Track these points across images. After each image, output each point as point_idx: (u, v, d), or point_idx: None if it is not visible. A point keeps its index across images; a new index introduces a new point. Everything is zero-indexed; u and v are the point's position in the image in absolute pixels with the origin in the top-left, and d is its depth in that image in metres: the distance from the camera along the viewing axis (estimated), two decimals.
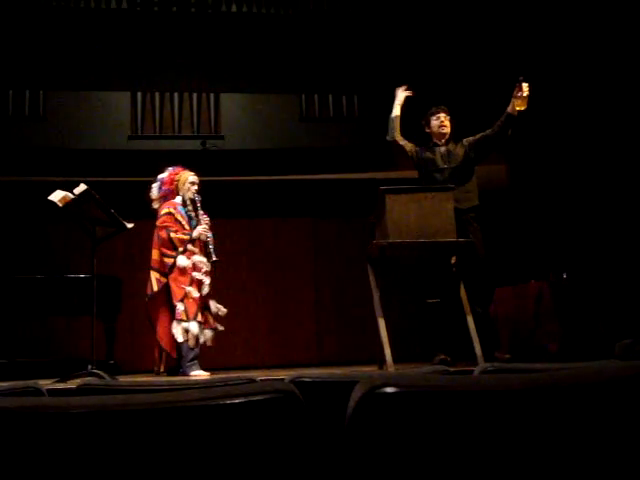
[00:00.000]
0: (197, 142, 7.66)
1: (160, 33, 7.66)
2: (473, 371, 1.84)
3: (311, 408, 0.99)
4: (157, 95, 7.77)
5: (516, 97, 4.67)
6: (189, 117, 7.80)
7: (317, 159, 7.64)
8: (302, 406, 0.97)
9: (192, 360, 4.76)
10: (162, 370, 4.97)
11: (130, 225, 4.78)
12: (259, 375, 3.36)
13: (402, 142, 4.92)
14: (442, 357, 4.58)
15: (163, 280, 4.87)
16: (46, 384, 3.58)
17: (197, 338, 4.77)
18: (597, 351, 4.54)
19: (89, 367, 4.18)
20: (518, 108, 4.67)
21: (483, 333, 4.46)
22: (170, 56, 7.58)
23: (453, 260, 4.56)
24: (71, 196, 4.31)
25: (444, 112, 4.96)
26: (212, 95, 7.84)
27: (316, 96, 7.96)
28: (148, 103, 7.74)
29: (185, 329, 4.74)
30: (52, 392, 2.35)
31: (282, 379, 1.93)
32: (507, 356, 4.50)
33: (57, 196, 4.31)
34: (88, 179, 4.81)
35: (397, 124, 4.92)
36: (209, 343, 4.92)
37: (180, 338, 4.71)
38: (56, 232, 7.25)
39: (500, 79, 7.32)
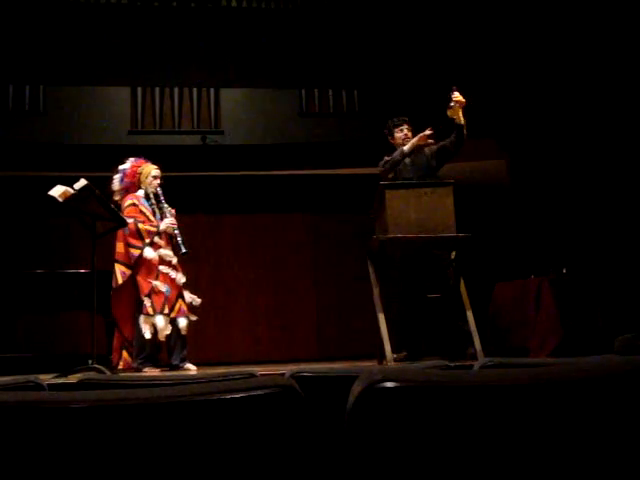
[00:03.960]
0: (197, 137, 7.66)
1: (160, 28, 7.64)
2: (473, 366, 1.84)
3: (311, 403, 0.99)
4: (157, 90, 7.76)
5: (448, 107, 4.64)
6: (189, 112, 7.79)
7: (317, 154, 7.63)
8: (302, 401, 0.97)
9: (144, 357, 4.75)
10: (121, 367, 4.88)
11: (130, 220, 4.79)
12: (259, 370, 3.37)
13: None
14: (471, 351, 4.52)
15: (128, 272, 4.84)
16: (47, 379, 3.58)
17: (163, 331, 4.76)
18: (597, 346, 4.55)
19: (89, 362, 4.18)
20: (450, 116, 4.65)
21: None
22: (170, 51, 7.57)
23: (453, 255, 4.57)
24: (71, 191, 4.31)
25: (407, 124, 4.93)
26: (212, 90, 7.83)
27: (316, 91, 7.96)
28: (148, 98, 7.73)
29: (152, 324, 4.73)
30: (53, 387, 2.36)
31: (282, 374, 1.94)
32: (471, 351, 4.49)
33: (57, 191, 4.31)
34: (88, 174, 4.81)
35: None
36: (183, 332, 4.90)
37: (147, 334, 4.69)
38: (56, 227, 7.25)
39: (500, 73, 7.32)
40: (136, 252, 4.83)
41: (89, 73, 7.44)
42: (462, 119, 4.65)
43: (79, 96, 7.60)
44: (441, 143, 4.83)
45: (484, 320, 5.36)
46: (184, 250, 4.85)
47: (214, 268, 7.76)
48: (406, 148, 4.78)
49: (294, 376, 1.65)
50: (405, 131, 4.91)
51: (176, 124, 7.78)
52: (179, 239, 4.87)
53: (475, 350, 4.32)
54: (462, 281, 4.48)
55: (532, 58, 7.14)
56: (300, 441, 0.96)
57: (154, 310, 4.75)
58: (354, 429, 0.95)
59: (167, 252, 4.91)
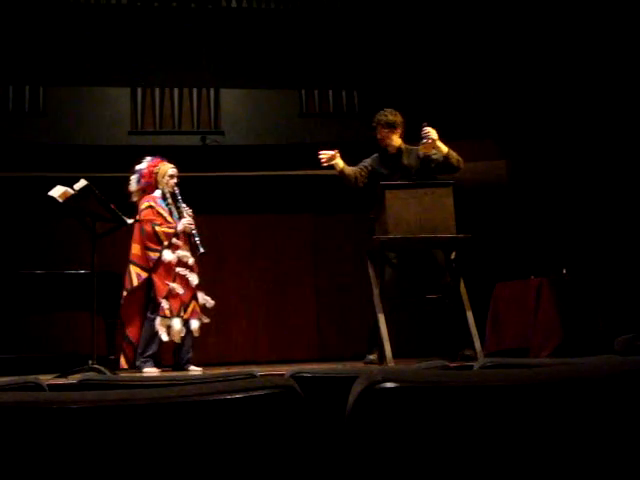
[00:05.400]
0: (197, 137, 7.66)
1: (160, 28, 7.64)
2: (473, 366, 1.85)
3: (311, 403, 0.99)
4: (157, 90, 7.76)
5: (421, 143, 4.57)
6: (189, 112, 7.79)
7: (317, 155, 7.62)
8: (302, 401, 0.97)
9: (148, 357, 4.74)
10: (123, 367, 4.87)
11: (130, 220, 4.77)
12: (259, 370, 3.37)
13: (362, 182, 4.78)
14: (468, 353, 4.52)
15: (144, 275, 4.83)
16: (47, 379, 3.58)
17: (179, 334, 4.76)
18: (597, 346, 4.54)
19: (89, 362, 4.18)
20: (424, 152, 4.59)
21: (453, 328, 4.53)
22: (170, 51, 7.57)
23: (453, 255, 4.57)
24: (71, 192, 4.31)
25: (379, 125, 4.79)
26: (212, 90, 7.83)
27: (316, 91, 7.95)
28: (148, 98, 7.73)
29: (168, 326, 4.73)
30: (53, 387, 2.36)
31: (282, 374, 1.94)
32: (470, 352, 4.51)
33: (57, 192, 4.31)
34: (88, 174, 4.80)
35: (350, 176, 4.75)
36: (195, 333, 4.89)
37: (165, 337, 4.69)
38: (56, 228, 7.25)
39: (502, 74, 7.33)
40: (155, 255, 4.82)
41: (89, 73, 7.44)
42: (443, 149, 4.54)
43: (79, 96, 7.59)
44: (434, 156, 4.63)
45: (484, 320, 5.36)
46: (202, 250, 4.86)
47: (214, 268, 7.75)
48: (339, 169, 4.73)
49: (294, 376, 1.65)
50: (378, 136, 4.82)
51: (176, 124, 7.77)
52: (197, 239, 4.87)
53: (475, 350, 4.33)
54: (462, 281, 4.48)
55: (532, 59, 7.14)
56: (300, 441, 0.96)
57: (171, 313, 4.74)
58: (354, 429, 0.95)
59: (185, 253, 4.90)
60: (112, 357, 5.52)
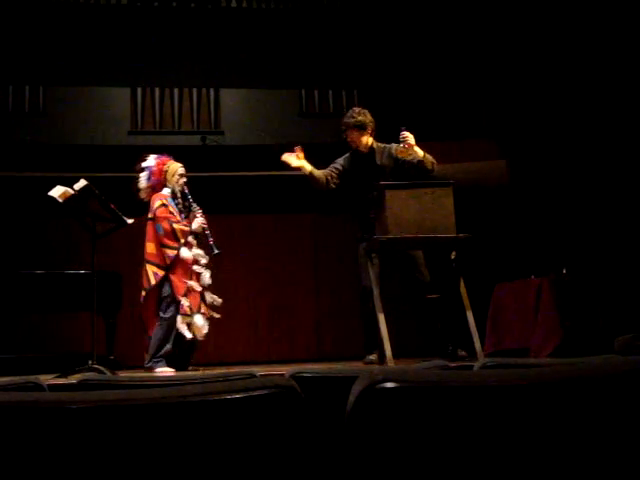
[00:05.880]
0: (197, 137, 7.66)
1: (160, 28, 7.65)
2: (473, 366, 1.84)
3: (311, 403, 0.99)
4: (157, 90, 7.76)
5: (398, 149, 4.53)
6: (189, 112, 7.79)
7: (317, 154, 7.62)
8: (302, 401, 0.97)
9: (160, 356, 4.73)
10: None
11: (130, 220, 4.77)
12: (259, 370, 3.37)
13: (334, 183, 4.76)
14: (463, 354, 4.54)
15: (160, 273, 4.82)
16: (47, 379, 3.58)
17: (202, 330, 4.77)
18: (597, 346, 4.55)
19: (89, 362, 4.18)
20: (401, 157, 4.55)
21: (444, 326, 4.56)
22: (170, 51, 7.58)
23: (453, 255, 4.56)
24: (71, 192, 4.31)
25: (348, 128, 4.72)
26: (212, 90, 7.84)
27: (316, 91, 7.96)
28: (148, 98, 7.74)
29: (189, 323, 4.73)
30: (53, 387, 2.36)
31: (282, 374, 1.94)
32: (463, 353, 4.51)
33: (57, 192, 4.31)
34: (88, 174, 4.80)
35: (320, 179, 4.74)
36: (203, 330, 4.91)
37: (188, 334, 4.69)
38: (56, 228, 7.24)
39: (502, 74, 7.32)
40: (172, 253, 4.80)
41: (89, 73, 7.45)
42: (419, 153, 4.51)
43: (79, 96, 7.59)
44: (408, 158, 4.59)
45: (484, 320, 5.36)
46: (217, 251, 4.85)
47: (214, 268, 7.75)
48: (305, 171, 4.73)
49: (294, 376, 1.65)
50: (347, 138, 4.78)
51: (176, 124, 7.78)
52: (210, 239, 4.86)
53: (475, 350, 4.33)
54: (462, 281, 4.48)
55: (532, 59, 7.15)
56: (300, 441, 0.96)
57: (191, 310, 4.75)
58: (354, 429, 0.95)
59: (199, 251, 4.91)
60: (112, 357, 5.53)
